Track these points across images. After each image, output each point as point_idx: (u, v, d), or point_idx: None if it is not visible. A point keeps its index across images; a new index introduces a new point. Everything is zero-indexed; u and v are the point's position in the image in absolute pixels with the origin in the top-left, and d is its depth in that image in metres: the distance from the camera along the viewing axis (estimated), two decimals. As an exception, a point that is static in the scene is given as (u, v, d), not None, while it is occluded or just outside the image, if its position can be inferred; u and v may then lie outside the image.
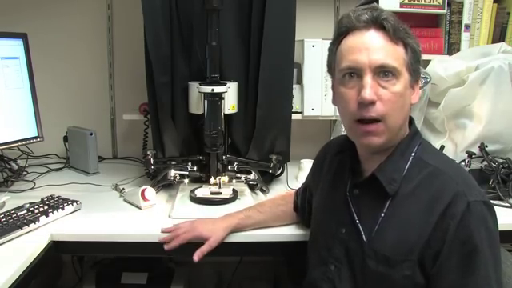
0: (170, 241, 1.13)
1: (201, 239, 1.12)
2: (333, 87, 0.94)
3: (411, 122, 0.93)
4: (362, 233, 0.89)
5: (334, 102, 0.94)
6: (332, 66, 0.91)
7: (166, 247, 1.12)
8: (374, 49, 0.82)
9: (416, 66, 0.87)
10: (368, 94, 0.81)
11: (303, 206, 1.18)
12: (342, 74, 0.86)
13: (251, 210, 1.20)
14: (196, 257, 1.10)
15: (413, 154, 0.89)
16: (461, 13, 1.68)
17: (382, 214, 0.87)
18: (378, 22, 0.83)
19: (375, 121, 0.83)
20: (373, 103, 0.82)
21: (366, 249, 0.87)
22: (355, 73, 0.84)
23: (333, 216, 0.96)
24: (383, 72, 0.82)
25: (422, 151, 0.89)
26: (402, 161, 0.88)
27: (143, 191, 1.31)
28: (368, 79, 0.82)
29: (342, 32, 0.87)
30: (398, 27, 0.83)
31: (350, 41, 0.86)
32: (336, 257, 0.93)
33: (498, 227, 0.83)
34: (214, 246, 1.11)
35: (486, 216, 0.81)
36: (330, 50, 0.91)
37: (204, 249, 1.11)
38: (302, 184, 1.23)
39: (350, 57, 0.84)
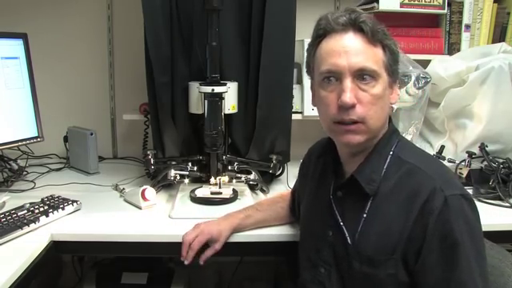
0: (186, 255, 1.12)
1: (211, 241, 1.12)
2: (312, 88, 0.94)
3: (389, 120, 0.93)
4: (347, 235, 0.89)
5: (314, 103, 0.94)
6: (311, 68, 0.92)
7: (186, 263, 1.11)
8: (353, 52, 0.83)
9: (395, 67, 0.88)
10: (348, 97, 0.82)
11: (293, 206, 1.20)
12: (322, 77, 0.87)
13: (250, 210, 1.21)
14: (202, 261, 1.11)
15: (391, 153, 0.89)
16: (461, 13, 1.68)
17: (364, 215, 0.87)
18: (357, 25, 0.84)
19: (355, 122, 0.84)
20: (353, 106, 0.83)
21: (351, 251, 0.88)
22: (335, 76, 0.85)
23: (319, 219, 0.97)
24: (362, 75, 0.83)
25: (399, 149, 0.90)
26: (381, 160, 0.89)
27: (143, 191, 1.31)
28: (348, 83, 0.83)
29: (320, 34, 0.87)
30: (375, 29, 0.84)
31: (329, 44, 0.86)
32: (325, 260, 0.94)
33: (479, 219, 0.83)
34: (219, 250, 1.12)
35: (465, 209, 0.81)
36: (308, 51, 0.92)
37: (210, 253, 1.12)
38: (293, 186, 1.25)
39: (329, 60, 0.85)
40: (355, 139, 0.85)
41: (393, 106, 0.91)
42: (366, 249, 0.86)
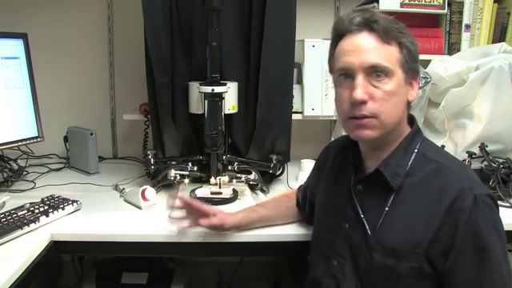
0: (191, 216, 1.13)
1: (215, 228, 1.12)
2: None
3: (413, 120, 0.96)
4: (367, 226, 0.91)
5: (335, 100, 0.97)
6: (331, 68, 0.95)
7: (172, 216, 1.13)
8: (366, 50, 0.86)
9: (412, 65, 0.89)
10: (358, 94, 0.85)
11: (304, 203, 1.20)
12: (337, 75, 0.91)
13: (255, 206, 1.23)
14: (203, 223, 1.11)
15: (416, 151, 0.91)
16: (461, 13, 1.68)
17: (386, 209, 0.89)
18: (369, 25, 0.86)
19: (368, 116, 0.86)
20: (364, 102, 0.85)
21: (372, 242, 0.89)
22: (348, 74, 0.88)
23: (336, 212, 0.98)
24: (375, 72, 0.85)
25: (424, 148, 0.92)
26: (406, 156, 0.91)
27: (143, 191, 1.31)
28: (359, 80, 0.86)
29: (337, 35, 0.91)
30: (389, 28, 0.86)
31: (344, 44, 0.89)
32: (339, 252, 0.95)
33: (501, 220, 0.86)
34: (216, 224, 1.12)
35: (493, 208, 0.84)
36: (329, 52, 0.95)
37: (210, 222, 1.11)
38: (304, 183, 1.25)
39: (342, 59, 0.88)
40: (366, 133, 0.88)
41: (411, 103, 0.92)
42: (388, 240, 0.87)
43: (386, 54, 0.86)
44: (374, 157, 0.93)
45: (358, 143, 0.97)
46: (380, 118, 0.86)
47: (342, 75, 0.89)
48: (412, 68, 0.90)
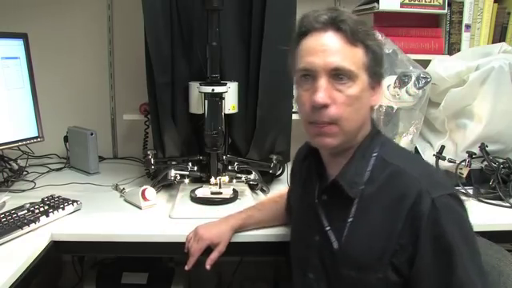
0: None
1: (212, 245, 1.12)
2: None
3: (373, 122, 0.92)
4: (333, 239, 0.87)
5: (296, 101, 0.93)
6: (292, 67, 0.90)
7: (186, 268, 1.12)
8: (330, 51, 0.81)
9: (377, 69, 0.86)
10: (320, 97, 0.81)
11: (288, 207, 1.18)
12: (299, 75, 0.86)
13: (252, 210, 1.21)
14: (208, 266, 1.11)
15: (374, 155, 0.87)
16: (461, 13, 1.67)
17: (350, 219, 0.86)
18: (336, 24, 0.82)
19: (329, 123, 0.82)
20: (326, 106, 0.81)
21: (338, 255, 0.86)
22: (310, 75, 0.83)
23: (306, 224, 0.95)
24: (338, 75, 0.81)
25: (384, 151, 0.88)
26: (364, 162, 0.87)
27: (143, 191, 1.31)
28: (322, 82, 0.81)
29: (301, 32, 0.86)
30: (356, 29, 0.82)
31: (308, 42, 0.84)
32: (313, 265, 0.92)
33: (468, 217, 0.82)
34: (224, 251, 1.12)
35: (454, 208, 0.80)
36: (291, 50, 0.90)
37: (214, 256, 1.11)
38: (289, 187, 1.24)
39: (306, 58, 0.84)
40: (328, 141, 0.84)
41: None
42: (353, 254, 0.84)
43: (351, 57, 0.81)
44: (336, 164, 0.89)
45: (319, 150, 0.93)
46: (341, 125, 0.82)
47: (304, 76, 0.84)
48: (377, 72, 0.86)
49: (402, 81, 1.38)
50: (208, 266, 1.11)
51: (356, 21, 0.83)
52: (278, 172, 1.55)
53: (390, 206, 0.81)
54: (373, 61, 0.84)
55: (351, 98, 0.82)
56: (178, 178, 1.41)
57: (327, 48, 0.81)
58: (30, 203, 1.26)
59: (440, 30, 1.71)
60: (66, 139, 1.78)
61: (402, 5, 1.62)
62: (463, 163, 1.41)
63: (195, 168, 1.44)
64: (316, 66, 0.82)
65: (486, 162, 1.42)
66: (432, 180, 0.82)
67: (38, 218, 1.17)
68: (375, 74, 0.86)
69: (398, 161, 0.85)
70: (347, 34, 0.81)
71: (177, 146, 1.47)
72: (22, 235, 1.11)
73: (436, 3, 1.65)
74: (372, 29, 0.86)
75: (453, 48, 1.69)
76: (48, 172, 1.70)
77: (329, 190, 0.90)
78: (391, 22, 1.65)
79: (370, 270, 0.82)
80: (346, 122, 0.83)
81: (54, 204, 1.26)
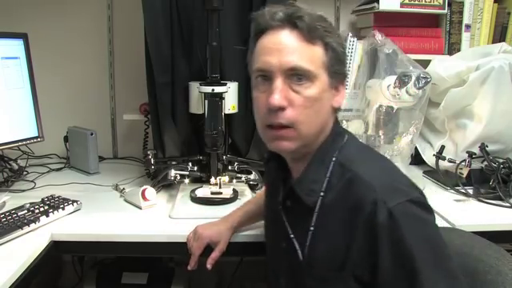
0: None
1: (212, 244, 1.11)
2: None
3: (336, 122, 0.87)
4: (298, 248, 0.84)
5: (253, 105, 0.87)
6: (250, 68, 0.86)
7: (189, 268, 1.12)
8: (287, 50, 0.77)
9: (339, 67, 0.82)
10: (276, 99, 0.76)
11: None
12: (255, 76, 0.82)
13: (247, 205, 1.20)
14: (209, 265, 1.11)
15: (334, 159, 0.82)
16: (461, 13, 1.67)
17: (311, 228, 0.82)
18: (292, 21, 0.77)
19: (286, 126, 0.78)
20: (282, 109, 0.77)
21: (303, 265, 0.83)
22: (266, 75, 0.79)
23: (274, 229, 0.93)
24: (296, 75, 0.77)
25: (343, 155, 0.83)
26: (322, 168, 0.82)
27: (143, 191, 1.31)
28: (278, 83, 0.77)
29: (258, 31, 0.82)
30: (314, 26, 0.77)
31: (264, 41, 0.80)
32: (284, 270, 0.90)
33: (433, 219, 0.77)
34: (224, 250, 1.11)
35: (415, 214, 0.74)
36: (249, 50, 0.86)
37: (215, 255, 1.11)
38: None
39: (261, 58, 0.79)
40: (285, 145, 0.80)
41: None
42: (315, 265, 0.81)
43: (309, 55, 0.77)
44: (297, 167, 0.85)
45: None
46: (298, 128, 0.78)
47: (261, 77, 0.80)
48: (338, 71, 0.81)
49: (402, 81, 1.37)
50: (209, 266, 1.11)
51: (314, 17, 0.79)
52: (278, 172, 1.55)
53: (346, 217, 0.76)
54: (333, 59, 0.80)
55: (309, 100, 0.78)
56: (178, 177, 1.41)
57: (283, 47, 0.77)
58: (30, 203, 1.26)
59: (440, 29, 1.71)
60: (65, 139, 1.77)
61: (402, 5, 1.62)
62: (463, 163, 1.41)
63: (195, 168, 1.44)
64: (272, 66, 0.77)
65: (486, 162, 1.42)
66: (390, 187, 0.76)
67: (38, 218, 1.17)
68: (336, 74, 0.81)
69: (356, 166, 0.80)
70: (304, 31, 0.77)
71: (177, 146, 1.47)
72: (22, 235, 1.11)
73: (436, 3, 1.65)
74: (332, 25, 0.81)
75: (453, 48, 1.69)
76: (48, 172, 1.70)
77: (291, 197, 0.86)
78: (391, 22, 1.65)
79: (333, 282, 0.78)
80: (304, 126, 0.78)
81: (53, 204, 1.26)
